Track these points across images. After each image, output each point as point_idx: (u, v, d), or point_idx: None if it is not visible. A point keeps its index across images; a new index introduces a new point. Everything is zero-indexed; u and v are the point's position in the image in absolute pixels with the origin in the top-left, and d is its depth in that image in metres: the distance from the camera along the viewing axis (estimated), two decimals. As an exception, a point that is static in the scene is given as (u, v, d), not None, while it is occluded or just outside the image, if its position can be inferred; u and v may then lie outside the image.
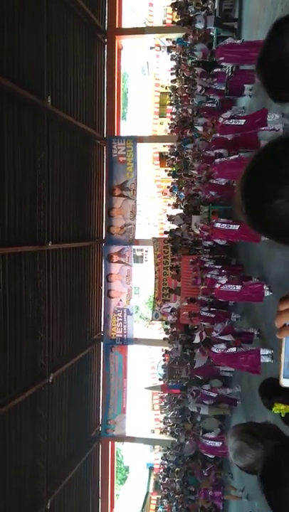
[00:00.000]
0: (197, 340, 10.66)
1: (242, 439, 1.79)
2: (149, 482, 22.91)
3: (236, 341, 7.48)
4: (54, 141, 12.00)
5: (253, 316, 7.64)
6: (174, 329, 13.92)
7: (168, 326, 14.97)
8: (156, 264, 15.65)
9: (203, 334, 10.07)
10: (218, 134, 8.29)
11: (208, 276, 8.89)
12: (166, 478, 16.15)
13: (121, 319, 16.29)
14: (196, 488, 11.17)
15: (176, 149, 15.92)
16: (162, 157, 21.01)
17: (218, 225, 6.77)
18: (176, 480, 14.01)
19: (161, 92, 23.32)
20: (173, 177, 16.07)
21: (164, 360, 16.33)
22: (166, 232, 14.62)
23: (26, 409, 10.78)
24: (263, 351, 6.61)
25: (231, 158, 7.58)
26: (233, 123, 7.34)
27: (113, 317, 16.30)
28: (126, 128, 20.34)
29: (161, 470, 17.89)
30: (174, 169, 15.92)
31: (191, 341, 11.98)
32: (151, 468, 23.39)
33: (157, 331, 20.48)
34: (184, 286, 12.18)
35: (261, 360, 6.42)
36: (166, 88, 19.53)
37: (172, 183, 16.46)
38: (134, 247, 16.72)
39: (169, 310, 14.05)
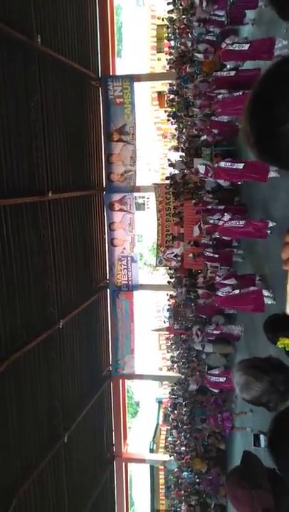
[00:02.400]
0: (201, 281, 10.90)
1: (247, 373, 1.90)
2: (159, 415, 24.60)
3: (239, 284, 7.65)
4: (47, 84, 11.42)
5: (256, 259, 7.72)
6: (178, 274, 14.16)
7: (172, 271, 15.21)
8: (158, 211, 15.55)
9: (207, 276, 10.29)
10: (218, 75, 7.84)
11: (211, 221, 8.87)
12: (175, 411, 17.29)
13: (125, 266, 16.53)
14: (206, 417, 11.97)
15: (175, 88, 15.14)
16: (161, 95, 20.04)
17: (222, 164, 6.61)
18: (184, 411, 14.99)
19: (157, 25, 21.72)
20: (173, 118, 15.42)
21: (169, 304, 16.79)
22: (167, 178, 14.35)
23: (39, 354, 11.32)
24: (265, 292, 6.77)
25: (235, 94, 7.25)
26: (236, 48, 6.92)
27: (118, 265, 16.53)
28: (122, 66, 19.26)
29: (170, 404, 19.11)
30: (174, 109, 15.25)
31: (195, 285, 12.26)
32: (160, 402, 25.01)
33: (162, 276, 20.84)
34: (187, 231, 12.19)
35: (265, 302, 6.60)
36: (162, 20, 18.16)
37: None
38: (135, 194, 16.51)
39: (172, 256, 14.21)
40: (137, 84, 15.78)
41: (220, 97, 7.64)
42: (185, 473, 15.17)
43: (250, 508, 1.88)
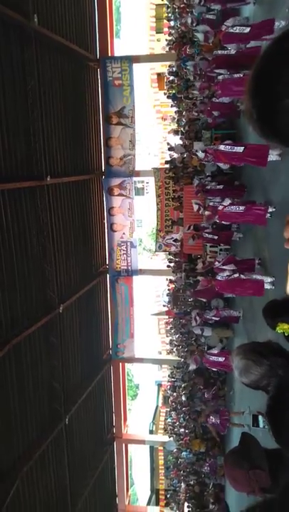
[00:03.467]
0: (200, 266, 10.91)
1: (247, 357, 1.92)
2: (158, 397, 25.00)
3: (239, 270, 7.66)
4: (44, 66, 11.21)
5: (255, 243, 7.72)
6: (178, 259, 14.17)
7: (171, 256, 15.22)
8: (157, 196, 15.45)
9: (207, 261, 10.30)
10: (219, 52, 7.70)
11: (211, 204, 8.83)
12: (174, 393, 17.55)
13: (125, 252, 16.52)
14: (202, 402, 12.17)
15: (175, 69, 14.85)
16: (160, 76, 19.66)
17: (222, 147, 6.53)
18: (183, 393, 15.22)
19: (156, 5, 21.15)
20: (172, 100, 15.17)
21: (169, 289, 16.86)
22: (166, 162, 14.21)
23: (40, 338, 11.44)
24: (265, 279, 6.78)
25: (235, 76, 7.13)
26: (237, 31, 6.80)
27: (117, 250, 16.52)
28: (120, 47, 18.86)
29: (169, 386, 19.38)
30: (174, 91, 14.98)
31: (194, 270, 12.29)
32: (159, 385, 25.38)
33: (161, 261, 20.87)
34: (186, 215, 12.15)
35: (265, 287, 6.62)
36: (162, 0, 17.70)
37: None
38: (134, 178, 16.37)
39: (172, 241, 14.19)
40: (136, 66, 15.48)
41: (220, 78, 7.51)
42: (184, 454, 15.49)
43: (248, 488, 1.93)
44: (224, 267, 8.02)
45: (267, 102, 0.85)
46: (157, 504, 20.90)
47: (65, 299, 12.72)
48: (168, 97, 15.82)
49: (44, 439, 11.45)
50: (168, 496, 20.29)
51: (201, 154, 6.99)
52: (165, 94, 16.13)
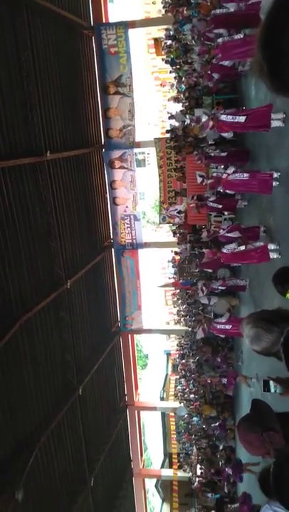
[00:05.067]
0: (205, 235, 10.87)
1: (257, 325, 1.95)
2: (168, 366, 25.58)
3: (244, 238, 7.62)
4: (37, 37, 10.84)
5: (260, 211, 7.65)
6: (182, 230, 14.13)
7: (175, 228, 15.16)
8: (159, 167, 15.23)
9: (211, 230, 10.26)
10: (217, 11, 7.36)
11: (214, 174, 8.70)
12: (183, 361, 17.95)
13: (129, 225, 16.47)
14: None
15: (172, 32, 14.29)
16: (157, 41, 18.94)
17: (223, 117, 6.35)
18: (192, 361, 15.56)
19: None
20: (171, 65, 14.68)
21: (174, 260, 16.90)
22: (167, 131, 13.92)
23: (50, 313, 11.64)
24: (270, 246, 6.76)
25: (235, 37, 6.85)
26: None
27: (121, 224, 16.47)
28: (115, 13, 18.07)
29: (178, 355, 19.79)
30: (172, 56, 14.47)
31: (199, 240, 12.26)
32: (168, 354, 25.93)
33: (165, 234, 20.82)
34: (189, 186, 12.00)
35: (270, 254, 6.61)
36: None
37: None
38: (135, 150, 16.09)
39: (176, 212, 14.10)
40: (131, 32, 14.91)
41: (220, 40, 7.22)
42: (195, 419, 16.01)
43: (263, 450, 2.00)
44: (229, 235, 7.98)
45: (277, 54, 0.83)
46: (170, 467, 21.80)
47: (71, 274, 12.84)
48: (166, 63, 15.31)
49: (59, 409, 11.86)
50: (180, 459, 21.15)
51: (204, 117, 6.79)
52: (163, 60, 15.60)
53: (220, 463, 12.89)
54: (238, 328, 8.85)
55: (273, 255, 6.54)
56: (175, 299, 21.04)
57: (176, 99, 14.52)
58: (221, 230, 8.52)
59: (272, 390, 2.20)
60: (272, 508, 1.86)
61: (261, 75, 0.86)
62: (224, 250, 7.71)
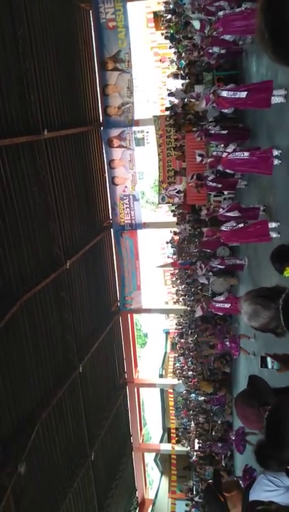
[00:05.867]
0: (204, 213, 10.85)
1: (255, 302, 1.98)
2: (166, 344, 25.97)
3: (243, 217, 7.61)
4: (33, 10, 10.50)
5: (261, 190, 7.61)
6: (181, 210, 14.08)
7: (175, 208, 15.10)
8: (159, 145, 15.03)
9: (211, 209, 10.23)
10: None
11: (214, 153, 8.60)
12: (182, 340, 18.21)
13: (128, 205, 16.39)
14: (213, 344, 12.60)
15: (172, 6, 13.86)
16: (157, 16, 18.38)
17: (224, 93, 6.23)
18: (190, 340, 15.79)
19: None
20: (171, 40, 14.29)
21: (173, 241, 16.91)
22: (166, 109, 13.68)
23: (50, 293, 11.73)
24: (269, 224, 6.75)
25: (237, 10, 6.67)
26: None
27: (120, 204, 16.39)
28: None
29: (176, 334, 20.07)
30: (172, 31, 14.07)
31: (198, 220, 12.24)
32: (167, 333, 26.29)
33: (165, 214, 20.75)
34: (189, 165, 11.89)
35: (270, 234, 6.60)
36: None
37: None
38: (134, 128, 15.85)
39: (175, 192, 14.00)
40: (130, 5, 14.47)
41: (220, 14, 7.01)
42: (193, 395, 16.35)
43: (259, 424, 2.06)
44: (228, 214, 7.97)
45: (280, 21, 0.82)
46: (169, 442, 22.39)
47: (71, 254, 12.86)
48: (166, 38, 14.89)
49: (60, 386, 12.09)
50: (179, 434, 21.71)
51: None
52: (162, 35, 15.18)
53: (219, 435, 13.23)
54: (237, 307, 8.95)
55: (272, 234, 6.54)
56: (174, 278, 21.17)
57: (175, 76, 14.21)
58: (221, 210, 8.50)
59: (270, 366, 2.25)
60: (267, 478, 1.93)
61: (262, 43, 0.85)
62: (223, 228, 7.71)
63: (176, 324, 21.28)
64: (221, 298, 9.68)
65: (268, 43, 0.85)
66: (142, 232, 17.23)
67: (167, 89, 14.19)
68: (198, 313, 10.87)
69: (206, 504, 2.56)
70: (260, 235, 6.63)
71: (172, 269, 19.56)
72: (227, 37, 6.95)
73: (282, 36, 0.83)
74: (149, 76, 22.76)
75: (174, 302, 20.49)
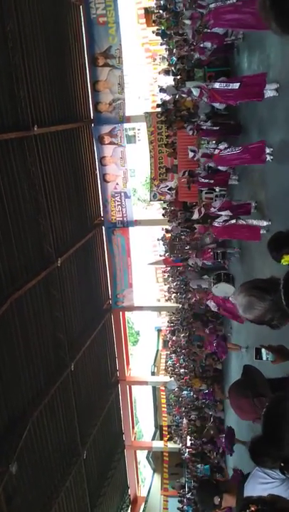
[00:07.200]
0: (196, 216, 10.80)
1: (250, 294, 1.95)
2: (158, 342, 25.99)
3: (235, 214, 7.60)
4: (22, 4, 10.36)
5: (252, 185, 7.61)
6: (173, 208, 14.05)
7: (166, 205, 15.06)
8: (150, 142, 14.99)
9: (202, 210, 10.18)
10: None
11: (207, 151, 8.58)
12: (174, 337, 18.23)
13: (119, 203, 16.32)
14: (202, 343, 12.65)
15: (162, 2, 13.79)
16: (148, 13, 18.32)
17: (216, 85, 6.20)
18: (182, 336, 15.80)
19: None
20: (162, 37, 14.23)
21: (165, 238, 16.88)
22: (158, 105, 13.62)
23: (41, 291, 11.62)
24: (261, 223, 6.75)
25: (228, 3, 6.63)
26: None
27: (111, 201, 16.31)
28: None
29: (168, 331, 20.07)
30: (163, 27, 14.01)
31: (190, 219, 12.19)
32: (159, 331, 26.30)
33: (156, 211, 20.72)
34: (181, 161, 11.86)
35: (261, 232, 6.61)
36: None
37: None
38: (125, 125, 15.78)
39: (166, 189, 13.97)
40: (120, 1, 14.38)
41: (212, 6, 6.96)
42: (185, 392, 16.39)
43: (253, 415, 2.04)
44: (220, 213, 7.96)
45: None
46: (161, 439, 22.45)
47: (62, 252, 12.77)
48: (157, 35, 14.83)
49: (52, 384, 12.01)
50: (171, 431, 21.76)
51: (195, 91, 6.62)
52: (154, 32, 15.11)
53: (211, 432, 13.26)
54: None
55: (263, 231, 6.55)
56: (166, 276, 21.15)
57: (167, 72, 14.15)
58: (212, 208, 8.48)
59: (264, 358, 2.23)
60: (262, 470, 1.91)
61: (264, 12, 0.82)
62: (215, 224, 7.69)
63: (168, 322, 21.28)
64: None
65: (269, 12, 0.82)
66: (134, 230, 17.17)
67: (158, 86, 14.13)
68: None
69: (198, 490, 2.54)
70: (252, 234, 6.65)
71: (164, 266, 19.54)
72: (218, 30, 6.91)
73: (283, 4, 0.79)
74: (140, 72, 22.68)
75: (166, 300, 20.49)
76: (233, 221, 7.45)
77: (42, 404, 11.33)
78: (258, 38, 6.50)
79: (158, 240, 19.03)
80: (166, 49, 14.81)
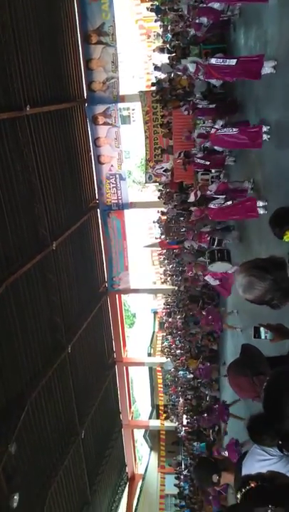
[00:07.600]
0: (192, 198, 10.70)
1: (250, 274, 1.92)
2: (155, 324, 26.22)
3: (231, 196, 7.53)
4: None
5: (248, 165, 7.52)
6: (168, 189, 13.92)
7: (162, 187, 14.92)
8: (145, 123, 14.73)
9: (198, 193, 10.09)
10: None
11: (203, 131, 8.45)
12: (170, 319, 18.38)
13: (114, 185, 16.14)
14: (198, 323, 12.76)
15: (157, -24, 13.34)
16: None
17: (213, 60, 6.03)
18: (178, 318, 15.92)
19: None
20: (156, 13, 13.82)
21: (160, 220, 16.80)
22: (153, 84, 13.33)
23: (36, 275, 11.58)
24: (257, 203, 6.70)
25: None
26: None
27: (106, 183, 16.13)
28: None
29: (165, 313, 20.22)
30: (157, 3, 13.59)
31: (185, 201, 12.10)
32: (155, 313, 26.49)
33: (152, 193, 20.55)
34: (176, 142, 11.69)
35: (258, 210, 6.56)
36: None
37: None
38: (119, 105, 15.48)
39: (162, 171, 13.80)
40: (113, -26, 13.89)
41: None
42: (181, 372, 16.62)
43: (253, 393, 2.04)
44: (216, 196, 7.90)
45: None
46: (158, 418, 22.87)
47: (57, 235, 12.68)
48: (151, 10, 14.39)
49: (49, 366, 12.11)
50: (167, 410, 22.16)
51: (191, 67, 6.45)
52: (148, 8, 14.66)
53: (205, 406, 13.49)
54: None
55: (260, 211, 6.50)
56: (162, 258, 21.17)
57: (161, 50, 13.79)
58: (208, 191, 8.40)
59: (263, 337, 2.24)
60: (260, 447, 1.93)
61: None
62: (211, 205, 7.63)
63: (164, 304, 21.41)
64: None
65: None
66: (129, 212, 17.06)
67: (153, 64, 13.80)
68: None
69: (196, 468, 2.57)
70: (248, 211, 6.59)
71: (160, 249, 19.52)
72: (215, 5, 6.70)
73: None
74: (135, 50, 22.12)
75: (162, 282, 20.57)
76: (229, 202, 7.40)
77: (40, 386, 11.44)
78: (255, 14, 6.32)
79: (153, 222, 18.94)
80: (160, 26, 14.40)
